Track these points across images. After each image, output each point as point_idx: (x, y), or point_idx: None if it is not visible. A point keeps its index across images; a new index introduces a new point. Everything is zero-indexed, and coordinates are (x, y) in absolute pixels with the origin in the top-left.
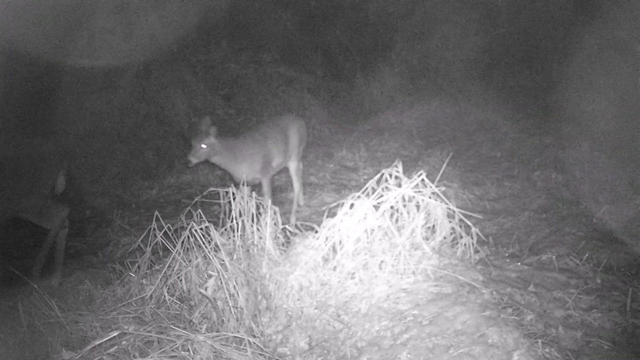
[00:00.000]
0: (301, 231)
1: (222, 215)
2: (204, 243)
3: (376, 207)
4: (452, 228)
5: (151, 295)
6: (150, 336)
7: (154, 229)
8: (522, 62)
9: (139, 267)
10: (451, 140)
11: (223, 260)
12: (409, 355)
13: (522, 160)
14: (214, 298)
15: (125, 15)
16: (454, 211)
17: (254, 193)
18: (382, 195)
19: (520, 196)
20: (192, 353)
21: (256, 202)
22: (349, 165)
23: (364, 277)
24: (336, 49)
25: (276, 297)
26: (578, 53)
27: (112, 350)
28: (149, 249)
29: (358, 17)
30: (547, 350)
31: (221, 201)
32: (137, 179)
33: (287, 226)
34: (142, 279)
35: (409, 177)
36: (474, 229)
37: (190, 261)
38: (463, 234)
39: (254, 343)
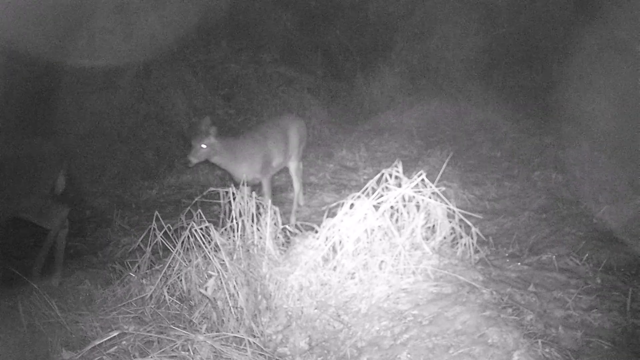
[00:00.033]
0: (301, 231)
1: (222, 215)
2: (204, 243)
3: (376, 207)
4: (452, 228)
5: (151, 295)
6: (150, 336)
7: (154, 229)
8: (522, 62)
9: (139, 267)
10: (451, 140)
11: (223, 260)
12: (409, 355)
13: (522, 160)
14: (214, 298)
15: (125, 15)
16: (454, 211)
17: (254, 193)
18: (382, 195)
19: (520, 196)
20: (192, 353)
21: (256, 202)
22: (349, 165)
23: (364, 277)
24: (336, 49)
25: (276, 297)
26: (578, 53)
27: (112, 350)
28: (149, 249)
29: (358, 17)
30: (547, 350)
31: (221, 201)
32: (137, 179)
33: (287, 226)
34: (142, 279)
35: (409, 177)
36: (474, 229)
37: (190, 261)
38: (463, 234)
39: (254, 343)
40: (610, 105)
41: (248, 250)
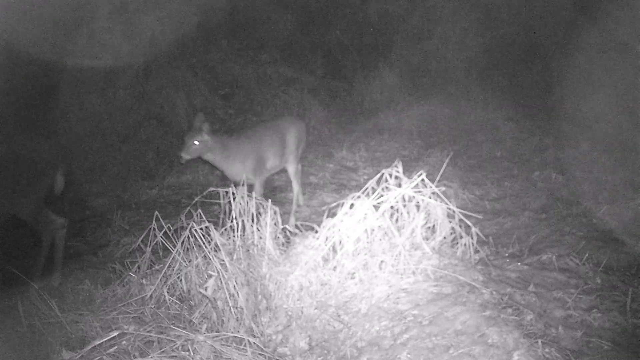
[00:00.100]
0: (301, 231)
1: (222, 215)
2: (204, 243)
3: (376, 207)
4: (452, 228)
5: (151, 295)
6: (150, 336)
7: (154, 229)
8: (522, 62)
9: (139, 267)
10: (451, 140)
11: (223, 260)
12: (409, 355)
13: (522, 160)
14: (214, 298)
15: (125, 15)
16: (454, 211)
17: (253, 193)
18: (382, 195)
19: (520, 196)
20: (192, 353)
21: (256, 202)
22: (349, 165)
23: (364, 277)
24: (336, 49)
25: (276, 297)
26: (578, 53)
27: (112, 350)
28: (149, 249)
29: (358, 17)
30: (547, 350)
31: (221, 201)
32: (137, 179)
33: (287, 226)
34: (142, 279)
35: (409, 177)
36: (474, 229)
37: (190, 261)
38: (463, 234)
39: (254, 343)
40: (610, 105)
41: (248, 250)
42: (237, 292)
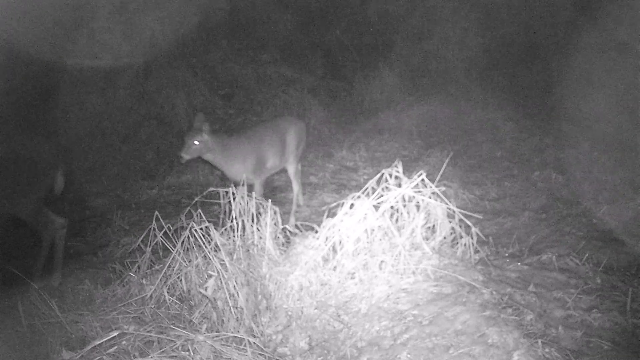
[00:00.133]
0: (301, 231)
1: (222, 215)
2: (204, 243)
3: (376, 207)
4: (452, 228)
5: (151, 295)
6: (150, 336)
7: (154, 229)
8: (522, 62)
9: (139, 267)
10: (451, 140)
11: (223, 260)
12: (409, 355)
13: (522, 160)
14: (214, 298)
15: (125, 15)
16: (454, 211)
17: (253, 193)
18: (382, 195)
19: (520, 196)
20: (192, 353)
21: (256, 202)
22: (349, 165)
23: (364, 277)
24: (336, 49)
25: (276, 297)
26: (578, 53)
27: (112, 350)
28: (149, 249)
29: (358, 17)
30: (547, 350)
31: (221, 201)
32: (137, 179)
33: (287, 226)
34: (142, 279)
35: (409, 177)
36: (474, 229)
37: (190, 261)
38: (463, 234)
39: (254, 343)
40: (610, 105)
41: (248, 250)
42: (237, 292)
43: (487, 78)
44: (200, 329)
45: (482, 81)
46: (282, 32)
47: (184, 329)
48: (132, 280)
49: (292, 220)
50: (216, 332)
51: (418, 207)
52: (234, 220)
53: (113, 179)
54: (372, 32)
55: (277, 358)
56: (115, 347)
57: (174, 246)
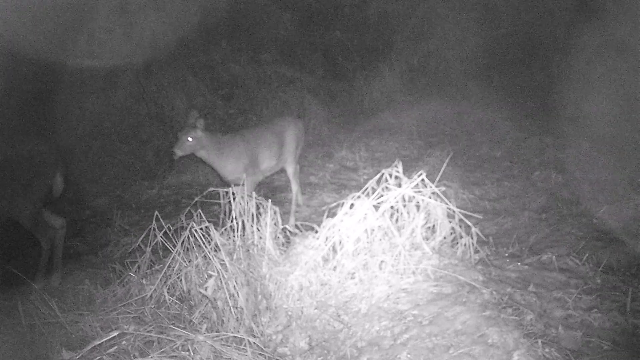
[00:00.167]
0: (301, 231)
1: (222, 215)
2: (204, 243)
3: (376, 207)
4: (452, 228)
5: (151, 295)
6: (150, 336)
7: (154, 229)
8: (522, 62)
9: (139, 267)
10: (451, 140)
11: (223, 260)
12: (409, 355)
13: (522, 160)
14: (214, 298)
15: (125, 15)
16: (454, 211)
17: (254, 193)
18: (382, 195)
19: (520, 196)
20: (192, 353)
21: (256, 202)
22: (349, 165)
23: (364, 277)
24: (336, 49)
25: (276, 297)
26: (578, 53)
27: (112, 350)
28: (149, 249)
29: (358, 17)
30: (547, 350)
31: (221, 201)
32: (137, 179)
33: (287, 226)
34: (142, 279)
35: (409, 177)
36: (474, 229)
37: (190, 261)
38: (463, 234)
39: (254, 343)
40: (610, 105)
41: (248, 250)
42: (237, 292)
43: (487, 78)
44: (200, 329)
45: (482, 81)
46: (282, 32)
47: (184, 329)
48: (132, 280)
49: (292, 220)
50: (216, 332)
51: (418, 207)
52: (234, 220)
53: (113, 179)
54: (372, 32)
55: (277, 358)
56: (115, 347)
57: (174, 246)
